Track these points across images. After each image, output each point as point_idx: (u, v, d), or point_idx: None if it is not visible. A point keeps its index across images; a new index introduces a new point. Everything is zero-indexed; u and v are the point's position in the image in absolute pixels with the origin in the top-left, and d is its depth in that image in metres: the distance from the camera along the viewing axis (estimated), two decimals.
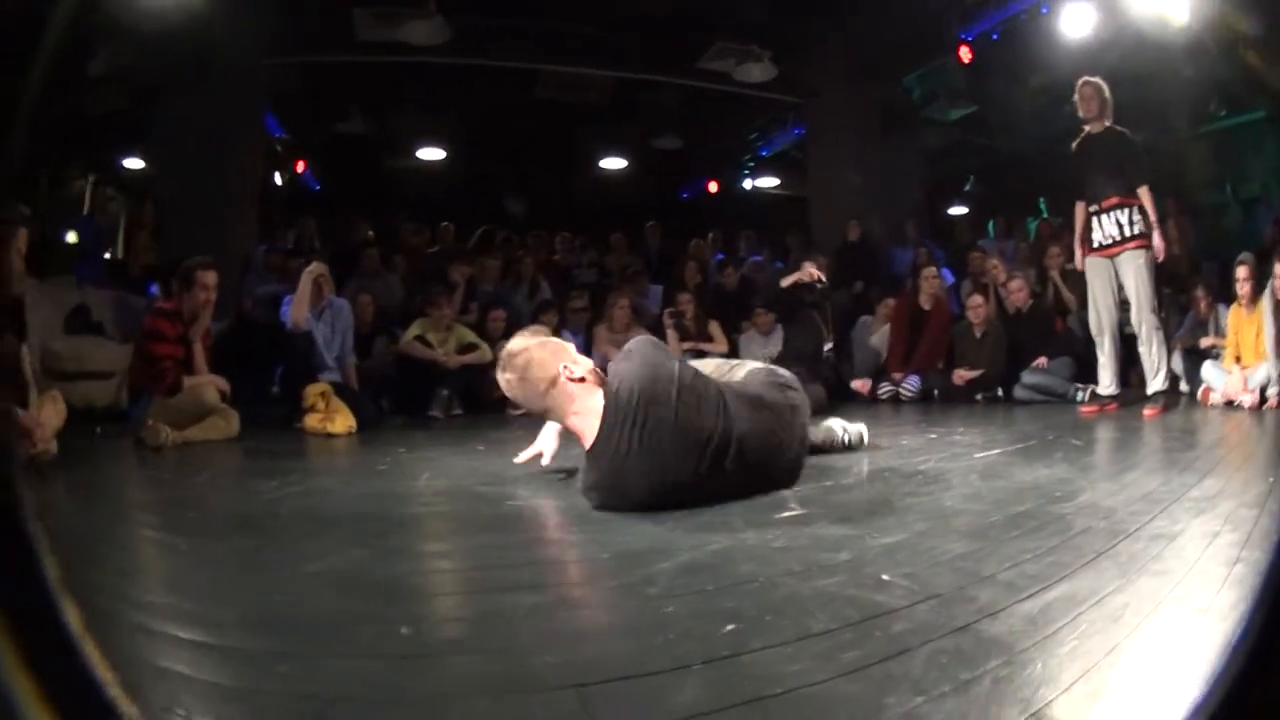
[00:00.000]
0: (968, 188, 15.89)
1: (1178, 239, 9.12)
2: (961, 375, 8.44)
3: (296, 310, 6.52)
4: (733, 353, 8.97)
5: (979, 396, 8.51)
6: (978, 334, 8.54)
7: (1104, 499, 3.89)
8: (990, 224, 14.12)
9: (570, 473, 4.15)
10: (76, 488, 4.04)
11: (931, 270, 9.26)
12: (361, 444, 5.87)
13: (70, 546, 2.57)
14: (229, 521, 3.51)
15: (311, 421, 5.97)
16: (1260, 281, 7.37)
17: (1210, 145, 12.88)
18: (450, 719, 1.75)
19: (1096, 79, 7.07)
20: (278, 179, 12.54)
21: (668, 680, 1.87)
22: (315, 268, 6.68)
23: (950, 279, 10.54)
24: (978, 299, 8.73)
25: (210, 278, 5.67)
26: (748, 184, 15.87)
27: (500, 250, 10.51)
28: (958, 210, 15.45)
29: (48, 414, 4.48)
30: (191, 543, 3.11)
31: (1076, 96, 7.10)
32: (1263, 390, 7.08)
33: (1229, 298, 7.86)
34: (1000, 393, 8.52)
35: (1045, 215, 13.02)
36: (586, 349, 8.59)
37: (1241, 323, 7.47)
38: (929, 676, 1.91)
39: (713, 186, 16.09)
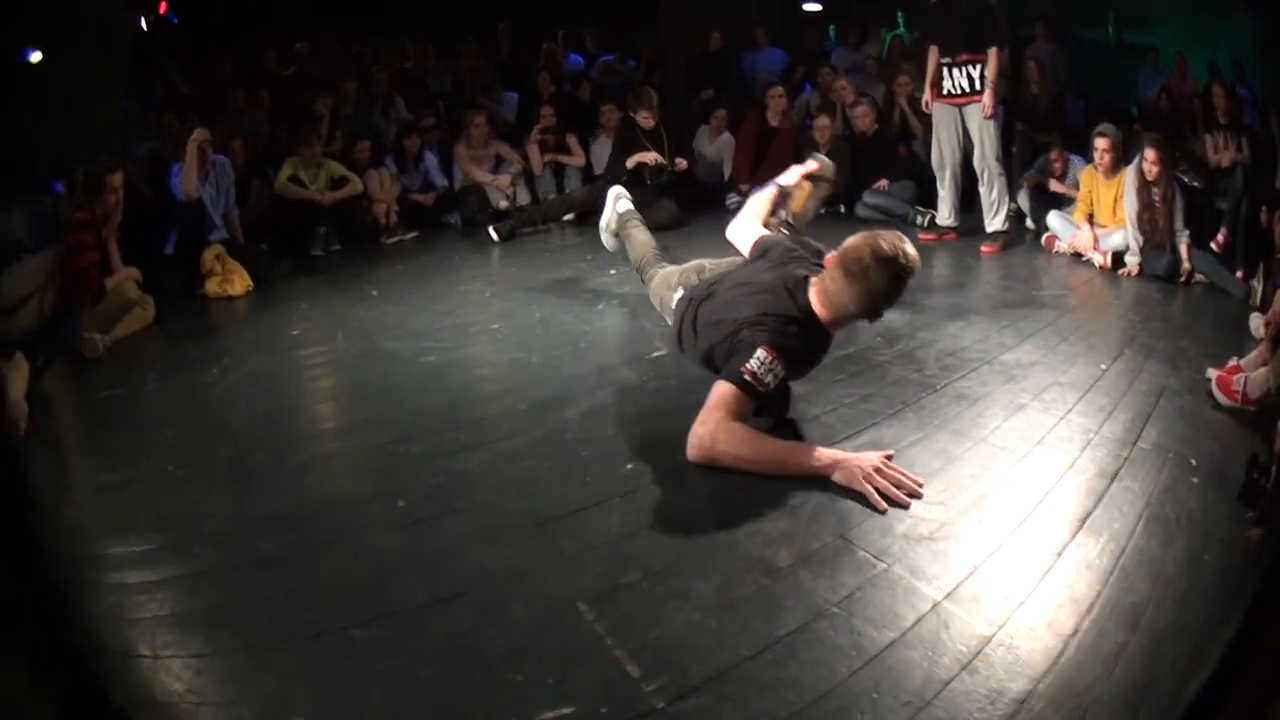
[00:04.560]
0: None
1: (1038, 78, 9.19)
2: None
3: (187, 182, 6.69)
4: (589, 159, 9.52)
5: (822, 210, 8.82)
6: (823, 152, 8.86)
7: (920, 349, 4.61)
8: (832, 29, 14.09)
9: None
10: (49, 439, 4.03)
11: (778, 89, 9.63)
12: (263, 303, 6.20)
13: (72, 512, 3.13)
14: (202, 432, 3.78)
15: (212, 286, 6.31)
16: (1123, 154, 7.33)
17: None
18: (453, 569, 2.55)
19: None
20: (143, 24, 12.10)
21: (595, 513, 2.85)
22: (199, 134, 6.78)
23: (808, 90, 10.90)
24: (824, 120, 9.15)
25: (118, 178, 5.71)
26: None
27: (354, 67, 10.42)
28: (812, 7, 15.54)
29: (16, 387, 4.22)
30: (183, 465, 3.38)
31: None
32: (1118, 255, 7.13)
33: (1087, 145, 7.70)
34: (843, 209, 9.00)
35: (901, 30, 12.85)
36: (446, 167, 9.12)
37: (1098, 186, 7.43)
38: (769, 501, 2.90)
39: None
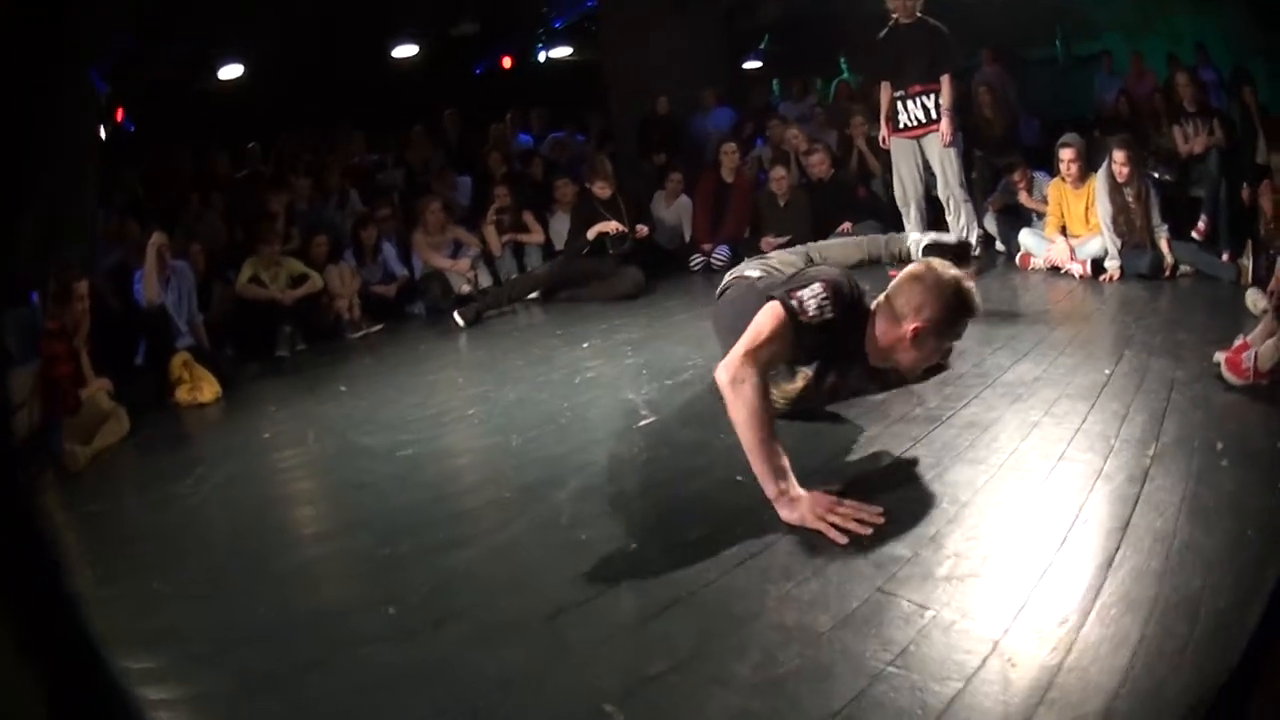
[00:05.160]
0: (763, 46, 15.90)
1: (990, 102, 9.14)
2: (768, 242, 8.68)
3: (148, 287, 6.66)
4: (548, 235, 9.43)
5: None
6: (781, 203, 9.01)
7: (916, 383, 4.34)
8: (775, 83, 14.35)
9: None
10: None
11: (730, 145, 9.63)
12: (233, 408, 6.12)
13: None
14: (182, 545, 3.66)
15: (182, 394, 6.22)
16: (1089, 162, 7.35)
17: (1044, 1, 12.68)
18: (456, 680, 2.31)
19: None
20: (102, 133, 12.10)
21: (604, 601, 2.59)
22: (156, 239, 6.76)
23: (760, 144, 10.90)
24: (779, 170, 9.10)
25: (84, 286, 5.75)
26: (542, 56, 15.87)
27: (306, 164, 10.40)
28: (752, 64, 15.59)
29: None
30: (166, 579, 3.26)
31: None
32: (1097, 263, 7.14)
33: (1049, 160, 7.83)
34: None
35: (845, 75, 13.22)
36: (405, 256, 9.00)
37: (1067, 196, 7.43)
38: (794, 564, 2.67)
39: (506, 62, 16.04)
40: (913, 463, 3.45)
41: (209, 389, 6.26)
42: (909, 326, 3.12)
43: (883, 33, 7.45)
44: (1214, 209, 7.20)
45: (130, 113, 13.10)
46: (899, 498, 3.09)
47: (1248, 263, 6.27)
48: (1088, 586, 2.42)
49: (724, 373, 3.00)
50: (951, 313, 3.12)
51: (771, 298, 3.15)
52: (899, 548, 2.72)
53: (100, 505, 4.41)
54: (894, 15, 7.33)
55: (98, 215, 8.37)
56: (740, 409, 2.95)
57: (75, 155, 8.31)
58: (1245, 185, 6.85)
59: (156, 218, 7.74)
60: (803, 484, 2.95)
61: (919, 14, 7.26)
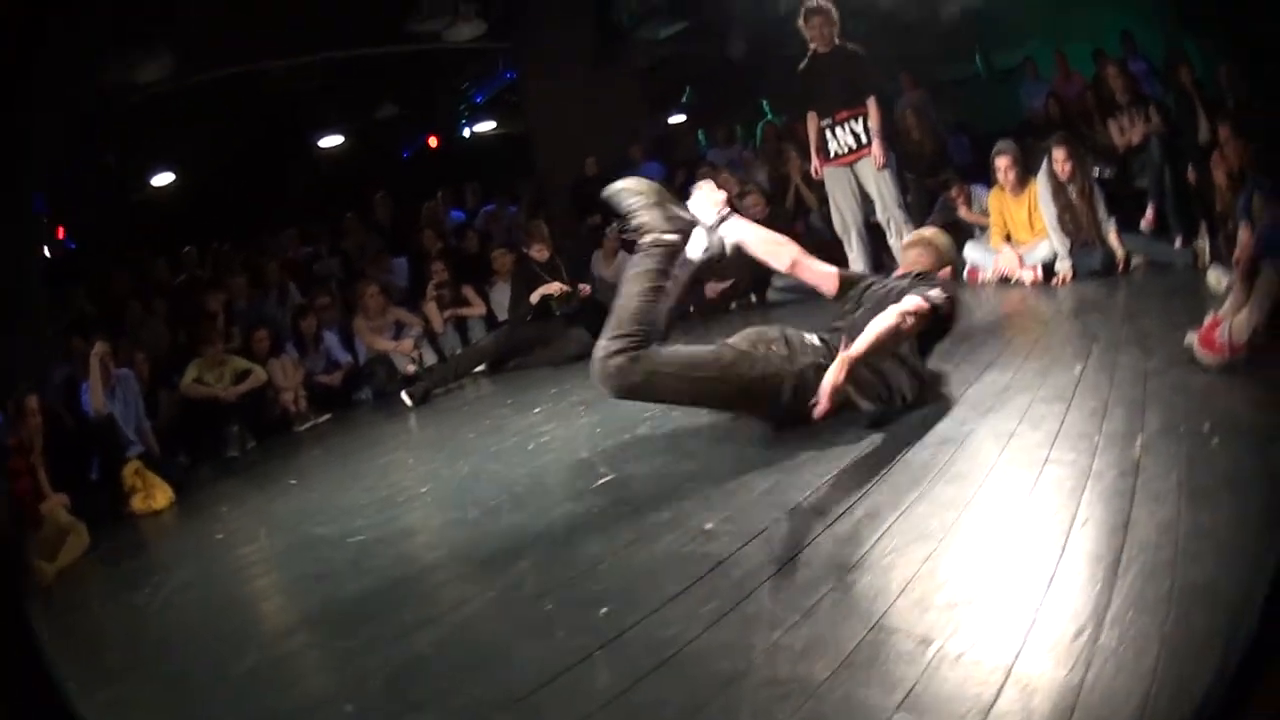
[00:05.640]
0: (685, 99, 16.17)
1: (915, 124, 9.28)
2: (712, 288, 8.76)
3: (94, 398, 6.62)
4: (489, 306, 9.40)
5: (733, 305, 8.85)
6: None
7: None
8: (700, 133, 14.49)
9: None
10: None
11: None
12: (187, 513, 6.00)
13: None
14: (144, 654, 3.57)
15: (136, 504, 6.13)
16: (1025, 167, 7.35)
17: (956, 18, 12.35)
18: None
19: (823, 4, 7.25)
20: (47, 252, 12.07)
21: (579, 673, 2.35)
22: (99, 348, 6.75)
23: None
24: None
25: (34, 401, 5.81)
26: (466, 132, 15.96)
27: (241, 263, 10.35)
28: (677, 119, 15.76)
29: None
30: (132, 690, 3.13)
31: (803, 24, 7.31)
32: (1047, 266, 7.12)
33: (983, 174, 7.86)
34: (754, 298, 8.79)
35: (770, 117, 13.29)
36: (348, 342, 8.91)
37: (1008, 204, 7.42)
38: (780, 610, 2.47)
39: (433, 141, 16.14)
40: (893, 487, 3.28)
41: (162, 495, 6.20)
42: None
43: (803, 64, 7.47)
44: (1160, 196, 7.16)
45: (69, 230, 13.07)
46: (883, 525, 2.93)
47: (1204, 243, 6.29)
48: (1098, 592, 2.27)
49: None
50: None
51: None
52: (891, 579, 2.56)
53: (64, 619, 4.33)
54: (812, 45, 7.35)
55: (46, 333, 8.39)
56: None
57: (23, 278, 8.38)
58: (1190, 167, 6.86)
59: (100, 329, 7.75)
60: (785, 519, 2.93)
61: (836, 41, 7.29)
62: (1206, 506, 2.60)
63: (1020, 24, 12.55)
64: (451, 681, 2.50)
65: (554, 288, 8.31)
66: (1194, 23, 10.08)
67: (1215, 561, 2.30)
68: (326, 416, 8.24)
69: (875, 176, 7.33)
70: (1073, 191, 6.88)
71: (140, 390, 7.20)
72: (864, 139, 7.32)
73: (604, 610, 2.67)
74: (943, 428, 3.84)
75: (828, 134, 7.43)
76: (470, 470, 4.94)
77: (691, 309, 8.79)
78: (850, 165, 7.44)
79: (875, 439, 3.83)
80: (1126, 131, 7.77)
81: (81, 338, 7.55)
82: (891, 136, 8.39)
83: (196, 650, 3.38)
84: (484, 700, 2.34)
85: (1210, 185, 6.40)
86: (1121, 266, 6.71)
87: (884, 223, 7.54)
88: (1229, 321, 3.99)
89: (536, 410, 6.07)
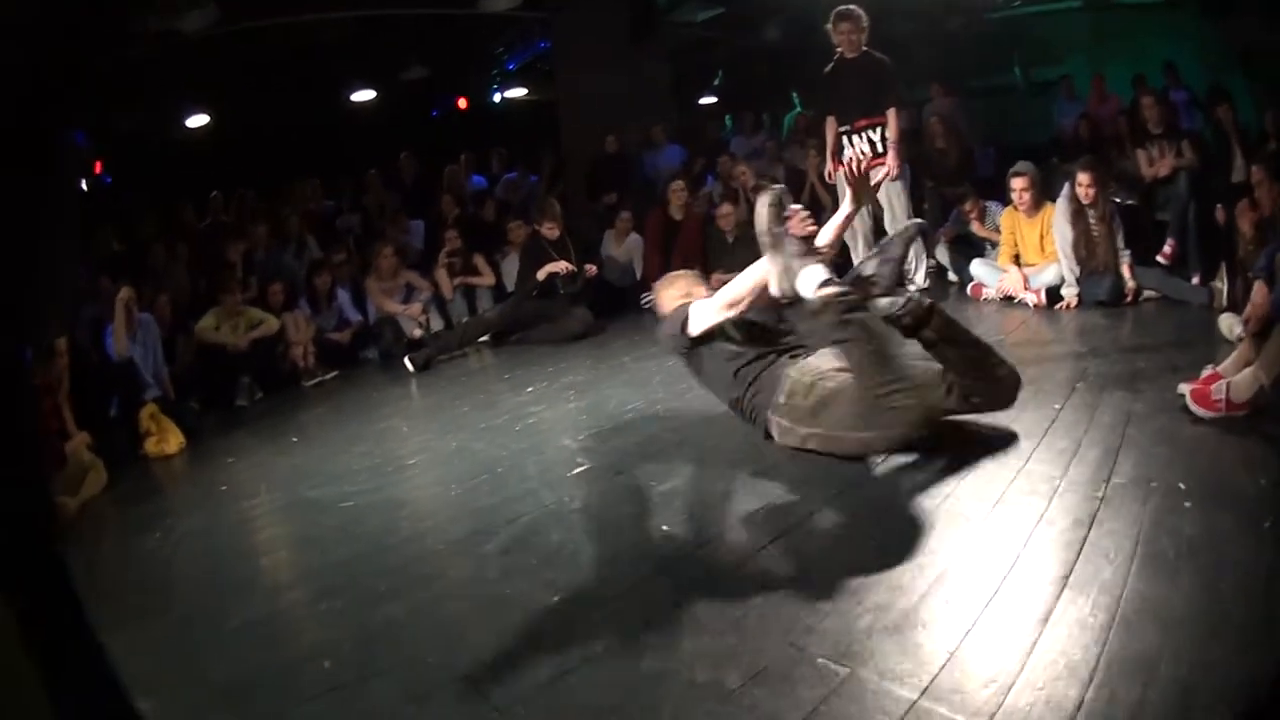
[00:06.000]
0: (716, 82, 16.11)
1: (942, 133, 9.22)
2: (718, 279, 8.72)
3: (118, 341, 6.77)
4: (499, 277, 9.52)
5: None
6: (729, 239, 8.92)
7: None
8: (728, 119, 14.38)
9: None
10: None
11: (678, 183, 9.71)
12: (196, 460, 6.22)
13: None
14: (151, 599, 3.69)
15: (150, 446, 6.29)
16: (1043, 190, 7.20)
17: (1000, 27, 12.80)
18: None
19: (853, 10, 7.19)
20: (84, 186, 12.16)
21: (528, 655, 2.61)
22: (125, 293, 6.88)
23: (710, 181, 10.91)
24: (727, 207, 8.92)
25: (63, 343, 5.91)
26: (497, 97, 16.06)
27: (264, 212, 10.43)
28: (707, 100, 15.74)
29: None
30: (139, 633, 3.22)
31: (831, 29, 7.24)
32: (1052, 291, 6.96)
33: (1004, 189, 7.55)
34: None
35: (799, 109, 13.07)
36: (359, 301, 9.06)
37: (1020, 225, 7.32)
38: (712, 619, 2.67)
39: (462, 103, 16.18)
40: (842, 509, 3.42)
41: (174, 440, 6.36)
42: None
43: (828, 67, 7.47)
44: (1182, 232, 7.07)
45: (107, 165, 13.21)
46: (823, 546, 3.11)
47: (1222, 285, 6.10)
48: (1020, 644, 2.29)
49: None
50: None
51: None
52: (819, 600, 2.66)
53: (82, 556, 4.44)
54: (839, 49, 7.32)
55: (79, 271, 8.37)
56: None
57: (63, 210, 8.46)
58: (1220, 206, 6.72)
59: (126, 270, 7.92)
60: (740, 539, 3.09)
61: (864, 47, 7.26)
62: (1164, 575, 2.55)
63: (1065, 40, 12.58)
64: (415, 651, 2.76)
65: (560, 266, 8.44)
66: (1249, 62, 9.98)
67: (1158, 636, 2.24)
68: (334, 374, 8.39)
69: (887, 186, 7.23)
70: (1093, 217, 6.78)
71: (159, 335, 7.34)
72: (880, 148, 7.27)
73: (555, 600, 2.92)
74: (905, 454, 3.79)
75: (845, 140, 7.41)
76: (458, 446, 5.16)
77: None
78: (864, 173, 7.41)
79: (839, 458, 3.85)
80: (1155, 163, 7.71)
81: (110, 278, 7.71)
82: (915, 142, 8.55)
83: (199, 600, 3.60)
84: (441, 674, 2.59)
85: (1235, 229, 6.15)
86: (1130, 298, 6.59)
87: (891, 232, 7.23)
88: (1229, 378, 3.82)
89: (529, 389, 6.26)
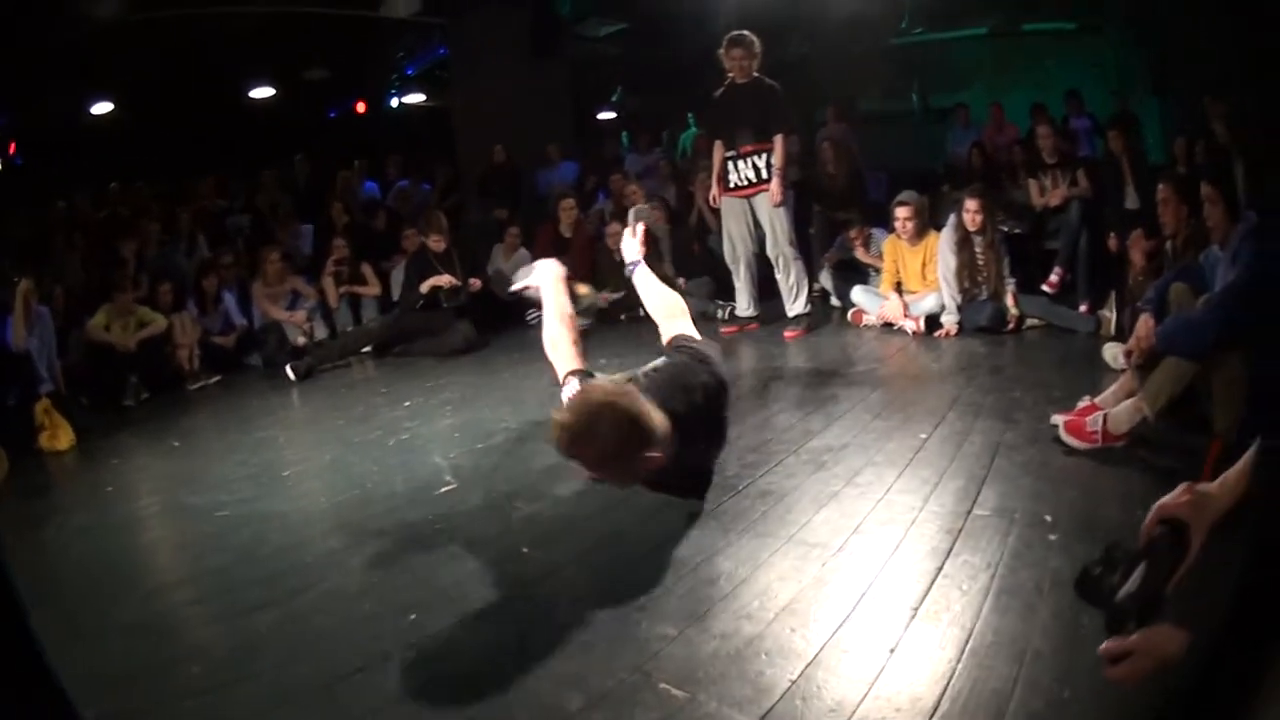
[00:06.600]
0: (615, 98, 16.29)
1: (832, 157, 9.24)
2: (605, 298, 8.99)
3: (16, 333, 6.80)
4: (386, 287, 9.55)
5: (623, 316, 9.08)
6: (618, 258, 8.68)
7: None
8: (624, 135, 14.49)
9: None
10: None
11: (568, 201, 9.88)
12: (85, 457, 6.29)
13: None
14: (44, 592, 3.69)
15: (43, 441, 6.38)
16: (928, 219, 7.33)
17: (901, 53, 12.95)
18: None
19: (746, 36, 7.27)
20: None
21: (381, 669, 2.75)
22: (24, 285, 6.90)
23: (602, 199, 11.10)
24: (615, 226, 9.18)
25: None
26: (395, 102, 16.02)
27: (158, 207, 10.43)
28: (606, 115, 15.91)
29: None
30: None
31: (723, 54, 7.30)
32: (932, 318, 7.03)
33: (889, 219, 7.62)
34: (642, 312, 8.70)
35: (696, 130, 12.67)
36: (245, 305, 9.03)
37: (903, 253, 7.40)
38: (563, 639, 2.79)
39: (360, 107, 16.17)
40: (698, 533, 3.48)
41: (65, 437, 6.47)
42: None
43: (719, 92, 7.54)
44: (1071, 260, 7.23)
45: (20, 146, 13.01)
46: (676, 571, 3.17)
47: (1110, 315, 6.23)
48: (865, 674, 2.33)
49: None
50: None
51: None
52: (666, 625, 2.74)
53: None
54: (730, 74, 7.39)
55: None
56: None
57: None
58: (1113, 235, 6.82)
59: (28, 259, 7.99)
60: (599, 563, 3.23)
61: (755, 74, 7.33)
62: (1018, 607, 2.55)
63: (968, 68, 12.85)
64: (280, 659, 2.91)
65: (443, 280, 8.53)
66: (1161, 88, 10.27)
67: (1010, 670, 2.27)
68: (217, 378, 8.41)
69: (770, 211, 7.37)
70: (979, 244, 6.90)
71: (54, 329, 7.35)
72: (764, 174, 7.35)
73: (412, 617, 3.09)
74: (769, 480, 3.93)
75: (730, 165, 7.48)
76: (332, 459, 5.30)
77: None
78: (748, 198, 7.50)
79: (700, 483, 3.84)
80: (1047, 192, 7.88)
81: (11, 266, 7.67)
82: (807, 165, 8.76)
83: (86, 596, 3.68)
84: (303, 682, 2.74)
85: (1126, 258, 6.20)
86: (1012, 325, 6.72)
87: (773, 258, 7.60)
88: (1108, 410, 3.84)
89: (406, 404, 6.38)
